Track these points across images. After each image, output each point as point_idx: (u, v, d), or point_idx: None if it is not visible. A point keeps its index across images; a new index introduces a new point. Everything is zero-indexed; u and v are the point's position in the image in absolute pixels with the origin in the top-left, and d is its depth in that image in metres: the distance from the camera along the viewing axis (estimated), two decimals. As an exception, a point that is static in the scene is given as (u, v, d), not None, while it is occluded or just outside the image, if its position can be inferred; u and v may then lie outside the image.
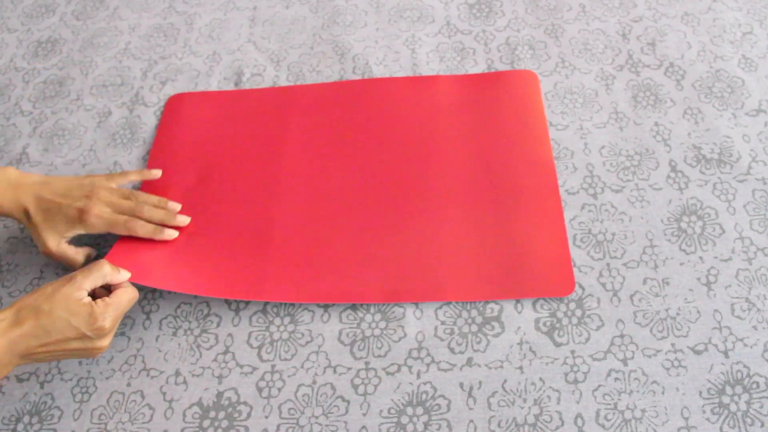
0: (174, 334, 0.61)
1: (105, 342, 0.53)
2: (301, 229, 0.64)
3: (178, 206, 0.66)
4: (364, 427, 0.54)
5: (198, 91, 0.77)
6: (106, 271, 0.55)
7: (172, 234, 0.64)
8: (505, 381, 0.55)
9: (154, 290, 0.63)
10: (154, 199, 0.65)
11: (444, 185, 0.66)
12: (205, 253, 0.63)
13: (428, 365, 0.57)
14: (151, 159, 0.72)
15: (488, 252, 0.61)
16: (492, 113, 0.71)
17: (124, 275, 0.57)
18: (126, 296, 0.55)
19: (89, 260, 0.64)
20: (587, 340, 0.57)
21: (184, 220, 0.65)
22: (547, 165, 0.66)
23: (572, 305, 0.59)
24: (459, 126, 0.70)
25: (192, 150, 0.72)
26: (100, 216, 0.60)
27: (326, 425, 0.55)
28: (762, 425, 0.52)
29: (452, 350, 0.57)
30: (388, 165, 0.68)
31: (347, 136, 0.71)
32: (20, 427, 0.56)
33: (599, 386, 0.55)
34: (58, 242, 0.61)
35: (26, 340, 0.50)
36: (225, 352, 0.59)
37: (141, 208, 0.63)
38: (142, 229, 0.62)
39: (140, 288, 0.63)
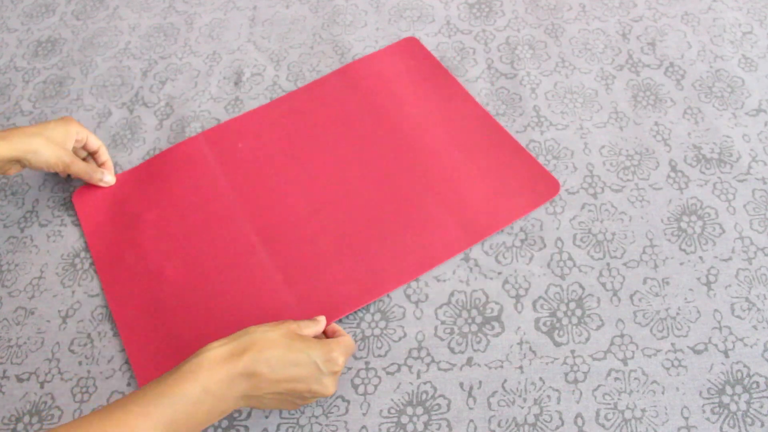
0: (174, 333, 0.61)
1: (333, 385, 0.50)
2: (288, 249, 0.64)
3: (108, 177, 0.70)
4: (364, 427, 0.54)
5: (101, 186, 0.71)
6: (320, 327, 0.54)
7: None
8: (505, 381, 0.55)
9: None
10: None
11: (411, 164, 0.69)
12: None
13: (428, 365, 0.57)
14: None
15: (473, 198, 0.65)
16: (404, 88, 0.74)
17: (322, 323, 0.55)
18: (351, 343, 0.53)
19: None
20: (587, 339, 0.57)
21: (110, 180, 0.70)
22: (478, 109, 0.72)
23: (572, 305, 0.59)
24: (390, 107, 0.73)
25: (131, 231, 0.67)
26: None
27: (326, 425, 0.55)
28: (762, 425, 0.52)
29: (452, 350, 0.57)
30: (343, 170, 0.69)
31: (293, 153, 0.71)
32: (20, 427, 0.56)
33: (599, 386, 0.55)
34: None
35: (254, 373, 0.45)
36: (225, 352, 0.59)
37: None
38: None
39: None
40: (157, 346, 0.59)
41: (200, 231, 0.66)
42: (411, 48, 0.79)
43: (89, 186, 0.70)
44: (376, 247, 0.63)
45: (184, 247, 0.65)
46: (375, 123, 0.72)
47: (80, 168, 0.66)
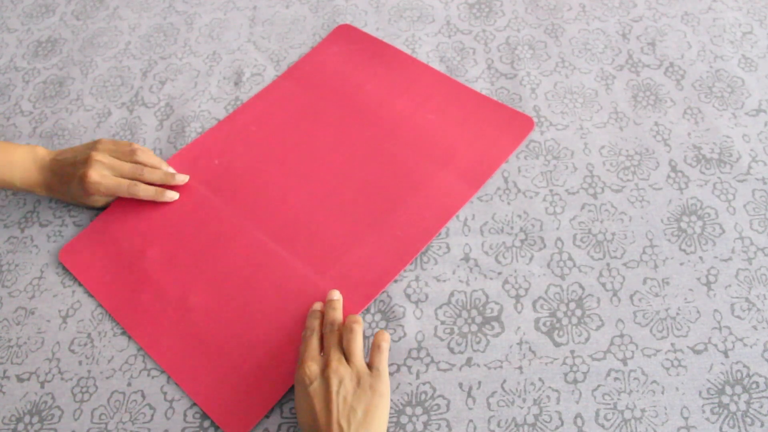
0: (174, 334, 0.61)
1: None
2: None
3: (172, 169, 0.68)
4: (363, 427, 0.54)
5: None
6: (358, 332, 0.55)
7: (173, 196, 0.67)
8: (505, 381, 0.55)
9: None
10: (155, 160, 0.67)
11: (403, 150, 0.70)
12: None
13: (428, 365, 0.57)
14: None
15: (462, 150, 0.69)
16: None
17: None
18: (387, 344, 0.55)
19: None
20: (587, 340, 0.57)
21: (183, 178, 0.68)
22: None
23: (572, 305, 0.59)
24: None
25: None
26: (99, 182, 0.63)
27: (326, 425, 0.55)
28: (762, 425, 0.52)
29: (452, 350, 0.57)
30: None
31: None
32: (20, 427, 0.56)
33: (599, 386, 0.55)
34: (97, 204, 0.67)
35: None
36: (225, 352, 0.59)
37: (141, 170, 0.65)
38: (144, 192, 0.65)
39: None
40: (210, 374, 0.57)
41: (211, 251, 0.64)
42: (347, 34, 0.81)
43: (72, 242, 0.66)
44: (391, 215, 0.65)
45: (200, 271, 0.63)
46: (343, 109, 0.73)
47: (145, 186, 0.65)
